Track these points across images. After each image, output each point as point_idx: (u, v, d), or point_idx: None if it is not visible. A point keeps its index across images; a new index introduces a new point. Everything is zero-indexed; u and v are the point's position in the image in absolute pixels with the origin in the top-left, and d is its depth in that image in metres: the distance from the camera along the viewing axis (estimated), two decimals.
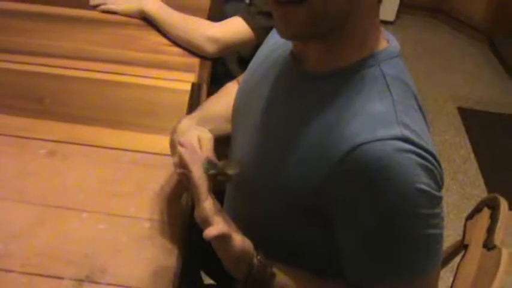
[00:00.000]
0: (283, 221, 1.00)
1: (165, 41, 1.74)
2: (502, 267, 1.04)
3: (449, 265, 1.34)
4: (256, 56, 1.15)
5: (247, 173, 1.01)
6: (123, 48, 1.68)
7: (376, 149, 0.81)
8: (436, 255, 0.91)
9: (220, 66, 1.92)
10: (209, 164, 0.94)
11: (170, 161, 1.19)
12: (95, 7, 1.89)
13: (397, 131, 0.82)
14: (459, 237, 2.62)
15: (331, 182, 0.87)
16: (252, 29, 1.66)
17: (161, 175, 1.25)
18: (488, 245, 1.13)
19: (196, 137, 1.01)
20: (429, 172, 0.87)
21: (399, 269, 0.88)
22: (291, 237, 1.01)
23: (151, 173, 1.25)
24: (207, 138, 1.02)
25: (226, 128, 1.17)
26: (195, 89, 1.34)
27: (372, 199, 0.84)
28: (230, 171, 0.96)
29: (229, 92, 1.23)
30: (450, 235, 2.71)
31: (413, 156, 0.83)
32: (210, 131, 1.05)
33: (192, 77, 1.58)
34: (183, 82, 1.54)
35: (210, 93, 1.54)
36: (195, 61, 1.66)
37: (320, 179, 0.88)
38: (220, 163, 0.96)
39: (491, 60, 4.35)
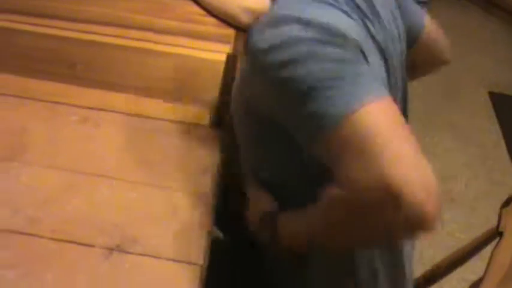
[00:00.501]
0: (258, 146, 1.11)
1: (200, 10, 1.71)
2: None
3: (481, 253, 1.32)
4: None
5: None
6: (157, 17, 1.65)
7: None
8: (349, 86, 0.85)
9: None
10: None
11: (200, 131, 1.26)
12: None
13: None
14: (489, 223, 2.60)
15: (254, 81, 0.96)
16: None
17: (195, 145, 1.24)
18: None
19: None
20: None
21: (317, 119, 0.85)
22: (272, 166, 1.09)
23: (182, 143, 1.24)
24: None
25: None
26: (230, 60, 1.32)
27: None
28: None
29: None
30: (477, 222, 2.68)
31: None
32: None
33: (227, 48, 1.55)
34: (217, 53, 1.52)
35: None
36: (230, 32, 1.63)
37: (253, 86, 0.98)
38: None
39: None
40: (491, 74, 3.85)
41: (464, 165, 3.04)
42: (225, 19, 1.67)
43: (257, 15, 1.63)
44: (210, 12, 1.70)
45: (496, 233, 1.24)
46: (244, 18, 1.63)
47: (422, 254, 2.47)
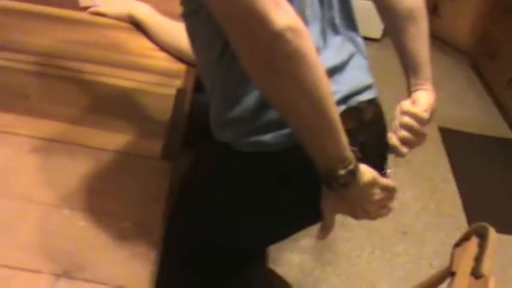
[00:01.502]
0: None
1: (152, 45, 1.76)
2: None
3: None
4: None
5: None
6: (110, 50, 1.69)
7: None
8: None
9: None
10: None
11: (150, 163, 1.27)
12: (84, 9, 1.90)
13: None
14: (435, 255, 2.66)
15: None
16: None
17: (142, 176, 1.26)
18: (476, 273, 1.14)
19: None
20: None
21: None
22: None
23: (132, 173, 1.27)
24: None
25: None
26: (180, 94, 1.36)
27: None
28: None
29: None
30: (426, 253, 2.74)
31: None
32: None
33: (177, 83, 1.59)
34: (168, 87, 1.56)
35: (193, 100, 1.56)
36: (181, 67, 1.68)
37: None
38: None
39: (474, 82, 4.42)
40: (442, 110, 3.94)
41: (414, 198, 3.11)
42: (176, 55, 1.71)
43: None
44: (162, 47, 1.75)
45: (449, 273, 1.27)
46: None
47: (376, 286, 2.53)
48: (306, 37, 0.94)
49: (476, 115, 4.00)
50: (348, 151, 1.08)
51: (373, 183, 1.17)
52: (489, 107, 4.13)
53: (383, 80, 3.96)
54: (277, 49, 0.92)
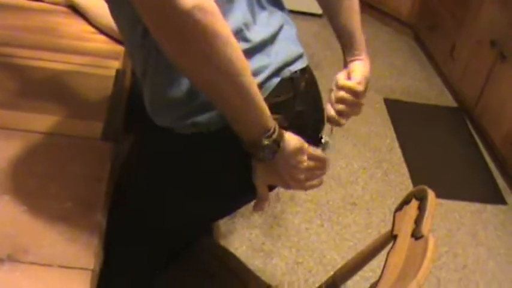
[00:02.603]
0: None
1: (90, 28, 1.75)
2: (428, 255, 1.09)
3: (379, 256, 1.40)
4: None
5: None
6: (48, 35, 1.68)
7: None
8: None
9: None
10: None
11: (91, 144, 1.27)
12: None
13: None
14: (383, 223, 2.72)
15: None
16: None
17: (83, 157, 1.27)
18: (417, 234, 1.17)
19: None
20: None
21: None
22: None
23: (72, 155, 1.27)
24: None
25: None
26: (119, 75, 1.36)
27: None
28: None
29: None
30: (374, 221, 2.80)
31: None
32: None
33: (116, 64, 1.59)
34: (107, 69, 1.56)
35: (133, 81, 1.56)
36: (120, 48, 1.68)
37: None
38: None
39: (416, 53, 4.49)
40: (386, 81, 4.02)
41: (362, 168, 3.17)
42: (115, 36, 1.71)
43: None
44: (101, 29, 1.75)
45: (391, 236, 1.31)
46: None
47: (326, 256, 2.57)
48: (216, 15, 0.97)
49: (419, 85, 4.08)
50: (271, 121, 1.11)
51: (299, 151, 1.19)
52: (432, 76, 4.21)
53: (326, 56, 4.00)
54: (186, 28, 0.94)
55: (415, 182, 3.09)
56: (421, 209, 1.24)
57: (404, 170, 3.20)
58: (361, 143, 3.36)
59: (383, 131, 3.50)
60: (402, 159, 3.28)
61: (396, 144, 3.39)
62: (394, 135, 3.48)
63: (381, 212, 2.87)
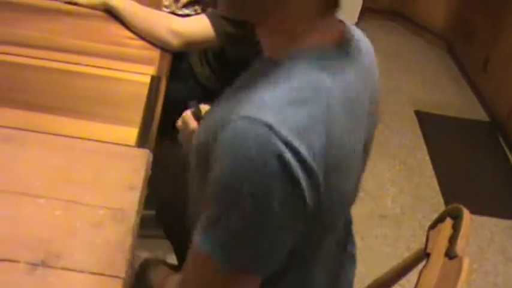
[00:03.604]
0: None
1: (127, 33, 1.75)
2: (463, 276, 1.07)
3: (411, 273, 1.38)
4: None
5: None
6: (85, 40, 1.68)
7: (232, 126, 0.83)
8: (238, 249, 0.88)
9: (184, 64, 1.94)
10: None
11: (125, 151, 1.26)
12: None
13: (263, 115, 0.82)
14: (412, 238, 2.68)
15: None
16: (215, 31, 1.67)
17: (117, 164, 1.26)
18: (450, 254, 1.15)
19: None
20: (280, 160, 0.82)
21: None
22: None
23: (107, 161, 1.27)
24: None
25: None
26: (154, 81, 1.36)
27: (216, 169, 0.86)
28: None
29: None
30: (404, 235, 2.77)
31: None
32: None
33: (151, 70, 1.59)
34: (142, 75, 1.56)
35: (168, 87, 1.56)
36: (156, 54, 1.68)
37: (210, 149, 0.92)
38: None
39: (449, 66, 4.44)
40: (417, 94, 3.98)
41: (392, 181, 3.14)
42: (152, 41, 1.71)
43: (184, 38, 1.68)
44: (137, 34, 1.75)
45: (424, 254, 1.29)
46: (172, 41, 1.68)
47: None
48: None
49: (451, 98, 4.03)
50: None
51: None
52: (464, 89, 4.16)
53: None
54: None
55: (445, 196, 3.06)
56: (456, 228, 1.22)
57: (434, 183, 3.16)
58: (391, 156, 3.33)
59: (414, 144, 3.47)
60: (433, 172, 3.24)
61: (427, 157, 3.36)
62: (425, 148, 3.44)
63: (410, 226, 2.83)
